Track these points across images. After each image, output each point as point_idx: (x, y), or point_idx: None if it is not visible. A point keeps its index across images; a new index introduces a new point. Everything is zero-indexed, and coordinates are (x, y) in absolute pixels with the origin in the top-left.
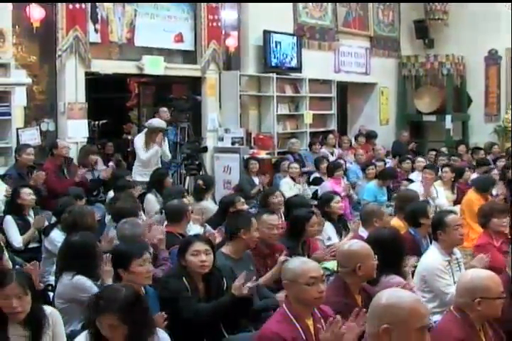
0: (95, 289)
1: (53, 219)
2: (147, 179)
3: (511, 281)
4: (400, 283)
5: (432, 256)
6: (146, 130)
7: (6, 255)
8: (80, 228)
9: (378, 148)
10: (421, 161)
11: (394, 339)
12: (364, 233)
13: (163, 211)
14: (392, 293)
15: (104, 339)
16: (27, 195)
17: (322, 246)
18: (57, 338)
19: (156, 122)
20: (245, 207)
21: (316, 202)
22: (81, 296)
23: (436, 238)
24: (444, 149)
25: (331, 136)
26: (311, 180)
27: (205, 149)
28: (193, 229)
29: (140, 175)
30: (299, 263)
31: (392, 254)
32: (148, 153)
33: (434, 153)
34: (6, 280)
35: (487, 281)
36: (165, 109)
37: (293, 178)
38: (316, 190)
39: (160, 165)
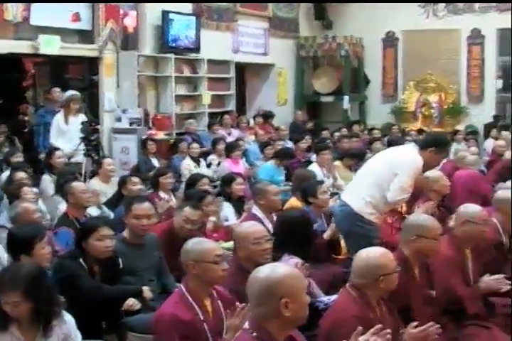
0: None
1: None
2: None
3: (404, 258)
4: (297, 263)
5: None
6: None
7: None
8: None
9: (283, 129)
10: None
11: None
12: (257, 211)
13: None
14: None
15: (12, 319)
16: None
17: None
18: None
19: (70, 92)
20: (137, 187)
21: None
22: None
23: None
24: (345, 130)
25: (226, 116)
26: (208, 161)
27: (96, 131)
28: (90, 210)
29: None
30: (201, 244)
31: (296, 235)
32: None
33: (326, 132)
34: None
35: (382, 258)
36: (57, 89)
37: (193, 159)
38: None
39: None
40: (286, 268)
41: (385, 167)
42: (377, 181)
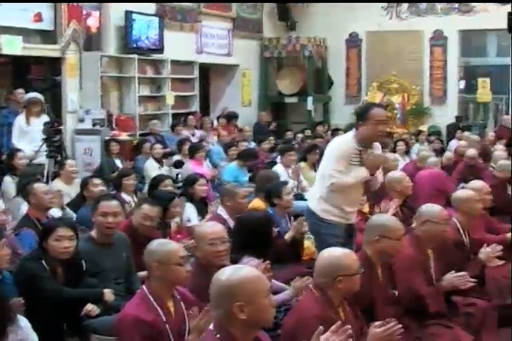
0: None
1: None
2: None
3: (367, 258)
4: (251, 262)
5: None
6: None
7: None
8: None
9: (247, 129)
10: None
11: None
12: (222, 212)
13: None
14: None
15: None
16: None
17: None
18: None
19: (31, 95)
20: (99, 189)
21: (179, 184)
22: None
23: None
24: (308, 132)
25: (190, 117)
26: (172, 162)
27: (59, 132)
28: (52, 212)
29: None
30: (165, 245)
31: (257, 236)
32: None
33: (290, 133)
34: None
35: (344, 259)
36: (20, 90)
37: (157, 160)
38: (178, 173)
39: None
40: (247, 270)
41: (324, 158)
42: (320, 174)
